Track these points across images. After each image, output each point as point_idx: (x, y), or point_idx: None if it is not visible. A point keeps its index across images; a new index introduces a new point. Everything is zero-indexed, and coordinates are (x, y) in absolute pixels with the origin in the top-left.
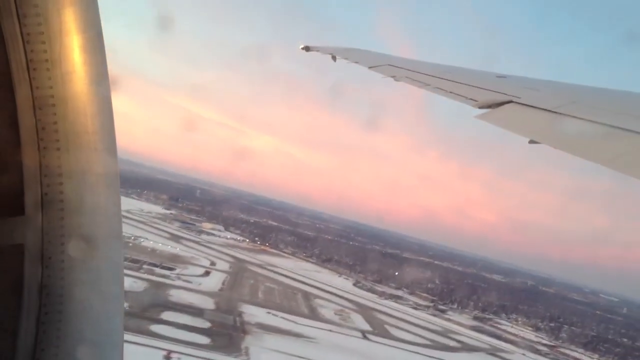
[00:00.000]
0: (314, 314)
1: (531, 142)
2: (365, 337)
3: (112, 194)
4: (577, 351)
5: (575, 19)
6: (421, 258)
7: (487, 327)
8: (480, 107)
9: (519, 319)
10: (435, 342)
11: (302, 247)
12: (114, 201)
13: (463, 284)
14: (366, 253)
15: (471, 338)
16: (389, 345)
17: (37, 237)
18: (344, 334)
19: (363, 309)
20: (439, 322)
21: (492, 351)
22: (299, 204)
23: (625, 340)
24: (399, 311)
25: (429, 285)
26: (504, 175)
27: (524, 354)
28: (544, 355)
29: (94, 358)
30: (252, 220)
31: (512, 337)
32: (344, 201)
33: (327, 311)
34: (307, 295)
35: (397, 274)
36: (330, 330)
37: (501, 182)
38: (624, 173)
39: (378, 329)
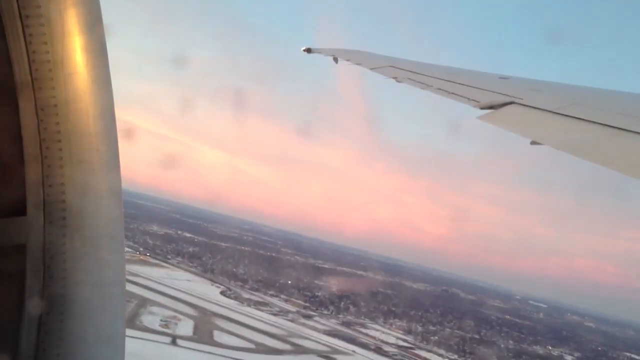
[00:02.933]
0: (131, 322)
1: (533, 143)
2: (173, 343)
3: (114, 194)
4: (433, 352)
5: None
6: (341, 268)
7: (346, 332)
8: (482, 108)
9: (398, 323)
10: (263, 346)
11: (196, 257)
12: (116, 202)
13: (368, 292)
14: (273, 263)
15: (315, 342)
16: (197, 350)
17: (38, 238)
18: (148, 339)
19: (203, 316)
20: (290, 326)
21: (329, 353)
22: (242, 217)
23: (509, 342)
24: (249, 317)
25: (318, 293)
26: (451, 188)
27: (364, 355)
28: (387, 355)
29: (95, 359)
30: (161, 232)
31: (366, 340)
32: (292, 214)
33: (151, 318)
34: (143, 303)
35: (289, 282)
36: (134, 337)
37: (448, 195)
38: (625, 174)
39: (200, 335)
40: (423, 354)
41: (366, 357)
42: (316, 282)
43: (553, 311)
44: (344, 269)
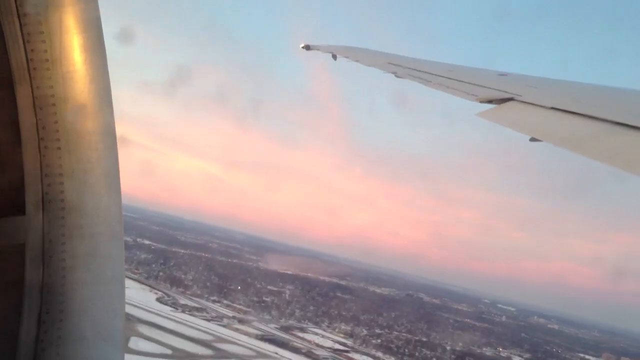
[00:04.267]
0: None
1: (532, 139)
2: None
3: (112, 193)
4: (370, 355)
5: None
6: (305, 274)
7: (282, 336)
8: (480, 102)
9: (343, 327)
10: (182, 352)
11: (146, 264)
12: (115, 200)
13: (323, 296)
14: (229, 269)
15: (241, 346)
16: None
17: (37, 237)
18: None
19: (126, 323)
20: (221, 332)
21: (252, 357)
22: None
23: (458, 344)
24: (178, 323)
25: (267, 298)
26: (428, 192)
27: (288, 358)
28: (316, 358)
29: (95, 357)
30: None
31: (299, 345)
32: (266, 220)
33: None
34: None
35: (239, 288)
36: None
37: (424, 199)
38: (625, 171)
39: None
40: (357, 356)
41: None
42: (270, 287)
43: (519, 314)
44: (308, 274)
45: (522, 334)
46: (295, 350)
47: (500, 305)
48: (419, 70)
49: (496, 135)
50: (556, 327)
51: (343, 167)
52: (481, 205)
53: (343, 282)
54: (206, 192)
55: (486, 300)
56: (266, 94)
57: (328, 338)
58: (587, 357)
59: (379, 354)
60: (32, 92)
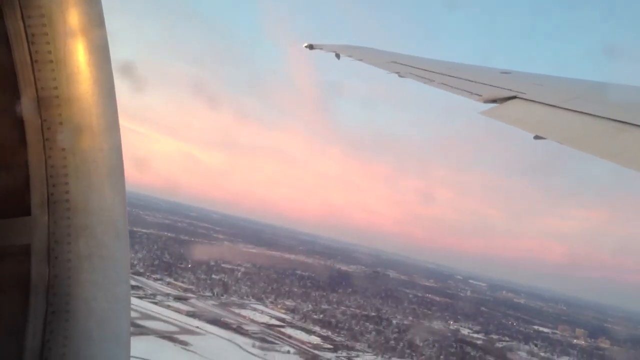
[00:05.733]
0: None
1: (536, 137)
2: None
3: (117, 193)
4: (305, 329)
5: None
6: (270, 252)
7: (216, 312)
8: (485, 102)
9: (288, 304)
10: None
11: None
12: (120, 201)
13: (280, 274)
14: (188, 248)
15: (167, 323)
16: None
17: (43, 237)
18: None
19: None
20: (150, 309)
21: (175, 333)
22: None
23: (408, 319)
24: None
25: (216, 276)
26: (404, 172)
27: (216, 334)
28: (246, 333)
29: (101, 357)
30: None
31: (232, 320)
32: (244, 200)
33: None
34: None
35: (189, 266)
36: None
37: (401, 178)
38: (629, 168)
39: None
40: (290, 331)
41: (219, 335)
42: (224, 265)
43: (489, 289)
44: (274, 252)
45: (483, 308)
46: (225, 325)
47: (471, 281)
48: (422, 69)
49: (470, 119)
50: (522, 301)
51: (320, 148)
52: (458, 185)
53: (309, 260)
54: (185, 172)
55: (459, 277)
56: (243, 78)
57: (267, 314)
58: (541, 329)
59: (316, 328)
60: (37, 93)
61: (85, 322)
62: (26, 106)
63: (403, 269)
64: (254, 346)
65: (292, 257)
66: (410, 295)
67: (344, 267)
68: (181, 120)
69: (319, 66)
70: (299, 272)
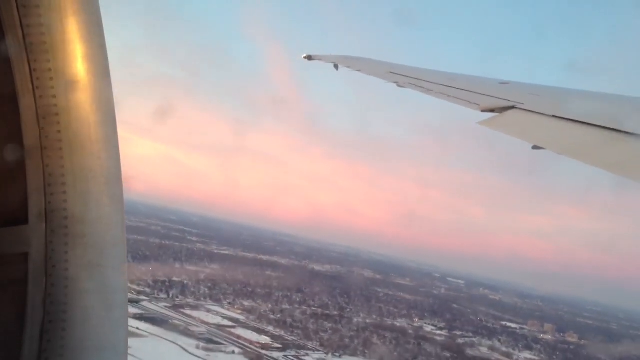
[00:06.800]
0: None
1: (534, 147)
2: None
3: (115, 202)
4: (259, 329)
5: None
6: (243, 254)
7: (165, 314)
8: (483, 111)
9: (246, 304)
10: None
11: None
12: (117, 209)
13: (246, 275)
14: (152, 251)
15: None
16: None
17: (41, 246)
18: None
19: None
20: None
21: None
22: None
23: (372, 317)
24: None
25: (176, 278)
26: (386, 171)
27: (159, 336)
28: (192, 335)
29: None
30: None
31: (180, 322)
32: (226, 202)
33: None
34: None
35: (150, 268)
36: None
37: (384, 178)
38: (626, 177)
39: None
40: (240, 331)
41: (162, 337)
42: (188, 267)
43: (465, 287)
44: (247, 254)
45: (454, 305)
46: (172, 327)
47: (450, 279)
48: (421, 80)
49: (452, 114)
50: (498, 298)
51: (302, 149)
52: (443, 184)
53: (283, 261)
54: (165, 175)
55: (437, 274)
56: (224, 78)
57: (221, 315)
58: (510, 324)
59: (270, 328)
60: (35, 103)
61: (82, 331)
62: (24, 115)
63: (380, 268)
64: (197, 347)
65: (266, 258)
66: (381, 294)
67: (318, 268)
68: (159, 121)
69: (302, 70)
70: (268, 272)
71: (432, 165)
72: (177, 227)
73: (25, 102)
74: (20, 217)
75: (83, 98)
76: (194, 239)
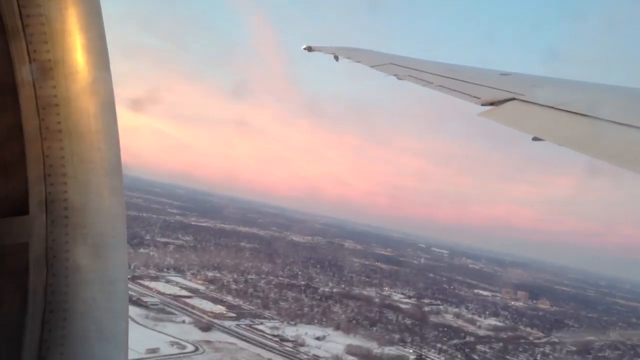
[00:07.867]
0: None
1: (535, 139)
2: None
3: (115, 193)
4: (216, 299)
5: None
6: (221, 225)
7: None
8: (483, 105)
9: (210, 275)
10: None
11: None
12: (118, 200)
13: (221, 246)
14: (131, 223)
15: None
16: None
17: (41, 237)
18: None
19: None
20: None
21: None
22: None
23: (341, 286)
24: None
25: (143, 250)
26: (373, 142)
27: None
28: (144, 305)
29: (98, 357)
30: None
31: (133, 293)
32: (212, 174)
33: None
34: None
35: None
36: None
37: (370, 149)
38: (628, 169)
39: None
40: (196, 301)
41: None
42: (160, 239)
43: (448, 256)
44: (225, 225)
45: (430, 274)
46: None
47: (434, 249)
48: (420, 71)
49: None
50: (479, 267)
51: (290, 121)
52: (428, 154)
53: (262, 233)
54: (152, 147)
55: (422, 245)
56: (210, 51)
57: (181, 286)
58: (483, 292)
59: (228, 298)
60: (35, 93)
61: (83, 321)
62: (24, 106)
63: (363, 239)
64: (147, 317)
65: (245, 229)
66: (357, 265)
67: (297, 239)
68: (145, 93)
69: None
70: (243, 244)
71: (415, 134)
72: (158, 200)
73: (25, 93)
74: (20, 208)
75: (83, 89)
76: (174, 211)
